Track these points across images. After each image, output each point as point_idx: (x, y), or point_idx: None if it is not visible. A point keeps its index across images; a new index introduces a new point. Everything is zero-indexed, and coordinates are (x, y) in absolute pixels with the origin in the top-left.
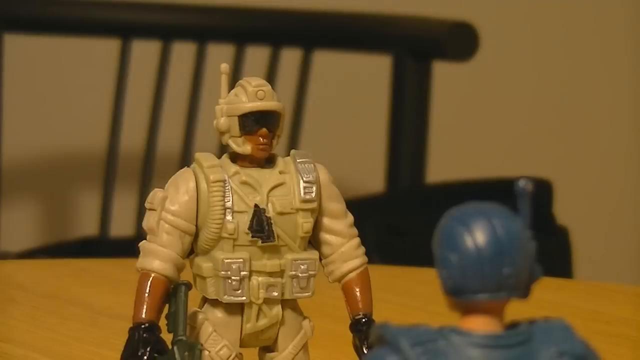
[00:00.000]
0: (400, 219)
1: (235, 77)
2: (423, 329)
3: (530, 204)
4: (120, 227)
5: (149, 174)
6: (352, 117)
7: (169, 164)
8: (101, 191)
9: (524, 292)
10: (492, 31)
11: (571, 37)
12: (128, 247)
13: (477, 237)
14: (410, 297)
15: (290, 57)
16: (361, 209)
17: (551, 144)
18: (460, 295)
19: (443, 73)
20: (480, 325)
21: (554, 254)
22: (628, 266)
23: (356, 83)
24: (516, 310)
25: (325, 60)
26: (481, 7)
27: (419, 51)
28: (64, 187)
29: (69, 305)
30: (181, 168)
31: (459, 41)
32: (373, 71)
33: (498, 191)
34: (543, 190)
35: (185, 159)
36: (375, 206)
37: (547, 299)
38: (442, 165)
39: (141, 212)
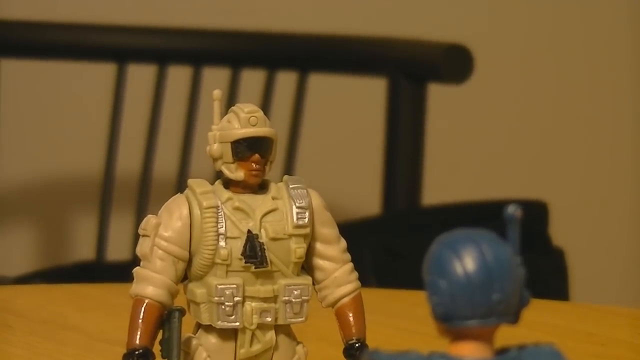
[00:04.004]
0: (396, 241)
1: (231, 100)
2: (413, 355)
3: (520, 230)
4: (117, 251)
5: (145, 198)
6: (348, 139)
7: (165, 188)
8: (97, 215)
9: (513, 318)
10: (487, 54)
11: (566, 58)
12: (124, 272)
13: (467, 263)
14: (406, 319)
15: (286, 81)
16: (357, 232)
17: (547, 165)
18: (450, 321)
19: (438, 95)
20: (470, 351)
21: (549, 275)
22: (624, 288)
23: (351, 106)
24: (512, 332)
25: (320, 83)
26: (476, 30)
27: (414, 74)
28: (60, 211)
29: (65, 331)
30: (178, 192)
31: (453, 64)
32: (368, 94)
33: (494, 213)
34: (539, 212)
35: (182, 183)
36: (371, 229)
37: (543, 321)
38: (438, 188)
39: (137, 236)
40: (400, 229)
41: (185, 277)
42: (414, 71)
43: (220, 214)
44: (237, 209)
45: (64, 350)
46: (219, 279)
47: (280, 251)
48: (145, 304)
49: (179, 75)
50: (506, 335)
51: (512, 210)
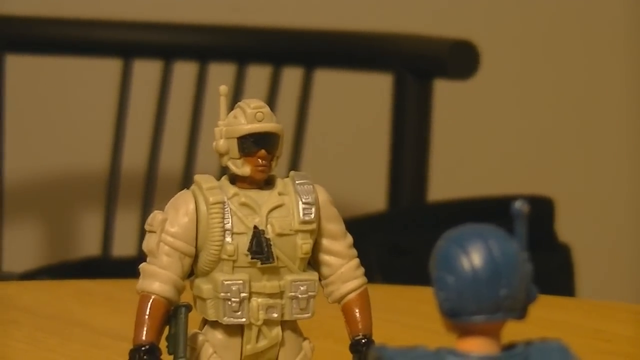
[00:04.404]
0: (402, 237)
1: (236, 96)
2: (420, 350)
3: (527, 225)
4: (123, 247)
5: (151, 194)
6: (354, 135)
7: (170, 184)
8: (103, 211)
9: (520, 313)
10: (493, 49)
11: (572, 54)
12: (130, 267)
13: (474, 258)
14: (412, 316)
15: (292, 76)
16: (363, 228)
17: (553, 161)
18: (457, 317)
19: (444, 91)
20: (477, 346)
21: (556, 271)
22: (630, 284)
23: (357, 102)
24: (517, 328)
25: (326, 79)
26: (482, 26)
27: (420, 70)
28: (66, 207)
29: (71, 326)
30: (183, 188)
31: (459, 59)
32: (374, 90)
33: (499, 209)
34: (545, 208)
35: (187, 179)
36: (377, 225)
37: (549, 317)
38: (444, 184)
39: (143, 232)
40: (406, 225)
41: (191, 273)
42: (420, 67)
43: (226, 209)
44: (243, 204)
45: (70, 345)
46: (225, 274)
47: (287, 247)
48: (151, 300)
49: (184, 71)
50: (512, 331)
51: (519, 205)
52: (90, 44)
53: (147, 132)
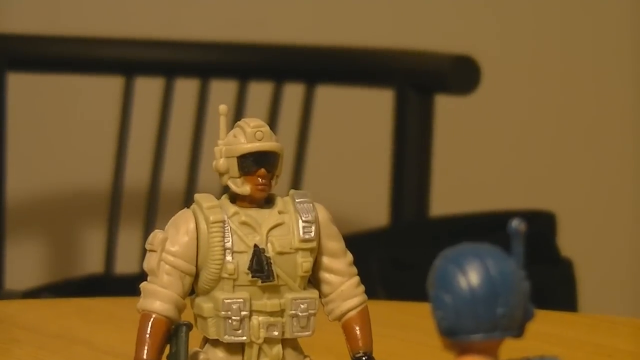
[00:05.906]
0: (404, 252)
1: (238, 113)
2: None
3: (524, 243)
4: (125, 264)
5: (153, 211)
6: (356, 151)
7: (173, 201)
8: (106, 229)
9: (518, 332)
10: (494, 65)
11: (572, 69)
12: (133, 285)
13: (471, 277)
14: (413, 331)
15: (293, 93)
16: (365, 243)
17: (555, 175)
18: (455, 336)
19: (445, 106)
20: None
21: (557, 285)
22: (632, 298)
23: (359, 117)
24: (520, 343)
25: (327, 95)
26: (483, 41)
27: (422, 85)
28: (68, 225)
29: (73, 345)
30: (185, 205)
31: (461, 75)
32: (376, 105)
33: (501, 224)
34: (547, 222)
35: (190, 196)
36: (379, 240)
37: (551, 331)
38: (446, 199)
39: (145, 250)
40: (408, 240)
41: (192, 292)
42: (421, 82)
43: (226, 228)
44: (243, 223)
45: None
46: (225, 293)
47: (287, 265)
48: (152, 319)
49: (186, 88)
50: (514, 346)
51: (516, 224)
52: (92, 61)
53: (149, 150)
